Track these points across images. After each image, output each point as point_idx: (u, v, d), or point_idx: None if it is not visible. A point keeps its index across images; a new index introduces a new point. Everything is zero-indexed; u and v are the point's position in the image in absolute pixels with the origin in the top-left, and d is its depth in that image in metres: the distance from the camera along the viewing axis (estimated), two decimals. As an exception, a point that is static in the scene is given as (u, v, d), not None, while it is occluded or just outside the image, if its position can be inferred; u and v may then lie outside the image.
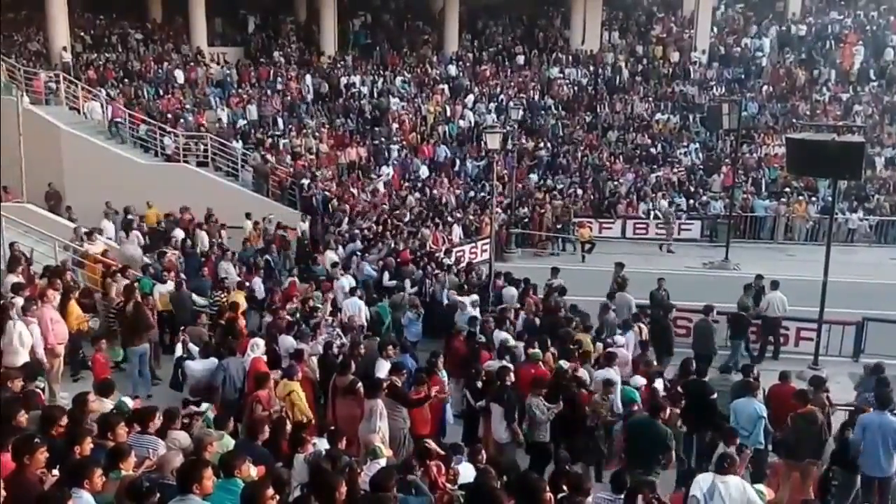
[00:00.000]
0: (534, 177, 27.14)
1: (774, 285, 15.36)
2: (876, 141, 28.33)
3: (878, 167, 27.80)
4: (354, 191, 24.00)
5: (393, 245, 17.86)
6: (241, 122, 25.85)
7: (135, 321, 11.35)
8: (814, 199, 25.72)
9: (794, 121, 27.07)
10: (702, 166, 28.26)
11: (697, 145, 29.23)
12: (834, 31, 33.92)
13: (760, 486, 6.96)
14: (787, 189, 26.15)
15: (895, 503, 8.74)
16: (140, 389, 10.27)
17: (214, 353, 10.05)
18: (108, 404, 7.64)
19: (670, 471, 9.06)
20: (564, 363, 10.54)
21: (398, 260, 16.60)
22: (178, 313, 12.70)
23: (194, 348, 10.54)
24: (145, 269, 13.77)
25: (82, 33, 28.77)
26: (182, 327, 11.50)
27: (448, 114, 29.37)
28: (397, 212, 22.13)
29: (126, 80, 26.45)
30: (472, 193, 25.72)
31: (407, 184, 25.56)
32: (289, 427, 7.90)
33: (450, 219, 22.52)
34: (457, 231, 22.16)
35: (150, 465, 6.34)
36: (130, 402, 7.86)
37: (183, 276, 13.86)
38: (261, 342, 10.10)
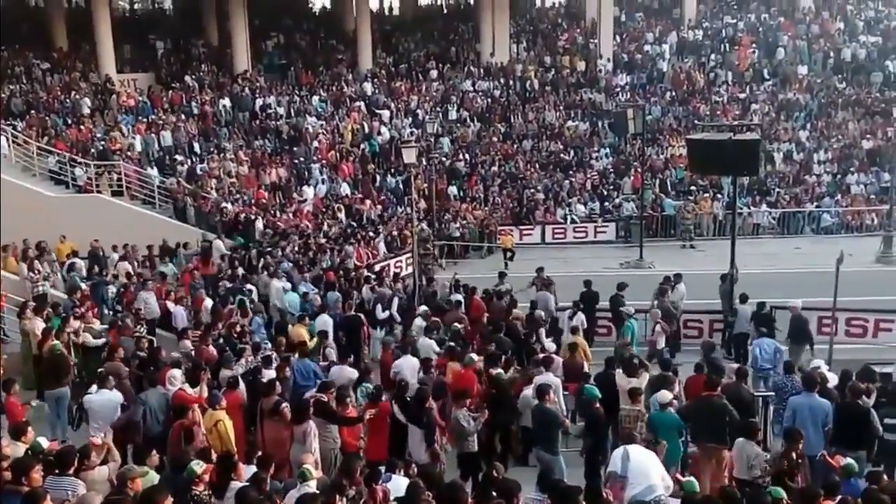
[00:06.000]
0: (453, 189, 27.52)
1: (678, 278, 16.08)
2: (773, 137, 29.89)
3: (776, 162, 29.32)
4: (276, 212, 23.83)
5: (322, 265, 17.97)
6: (156, 149, 25.33)
7: (53, 365, 11.03)
8: (719, 195, 26.92)
9: (695, 122, 28.26)
10: (613, 170, 29.21)
11: (608, 150, 30.22)
12: (728, 34, 35.56)
13: (691, 479, 7.36)
14: (693, 187, 27.30)
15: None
16: (57, 432, 9.96)
17: (135, 387, 9.84)
18: (22, 448, 7.44)
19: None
20: (501, 371, 10.69)
21: (325, 281, 16.58)
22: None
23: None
24: (56, 307, 13.37)
25: (-17, 65, 27.64)
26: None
27: (366, 130, 29.50)
28: (321, 231, 22.18)
29: (32, 111, 25.53)
30: (391, 208, 25.93)
31: (330, 203, 25.53)
32: (214, 458, 7.86)
33: (372, 234, 22.63)
34: (381, 246, 22.32)
35: (69, 507, 6.23)
36: (45, 443, 7.67)
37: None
38: (177, 373, 9.90)
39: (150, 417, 9.28)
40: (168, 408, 9.49)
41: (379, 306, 15.32)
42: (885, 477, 7.91)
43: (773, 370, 12.28)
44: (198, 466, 7.06)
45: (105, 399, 9.55)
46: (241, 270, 16.84)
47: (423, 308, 14.24)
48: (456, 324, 13.28)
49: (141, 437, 8.74)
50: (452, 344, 11.92)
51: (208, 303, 14.41)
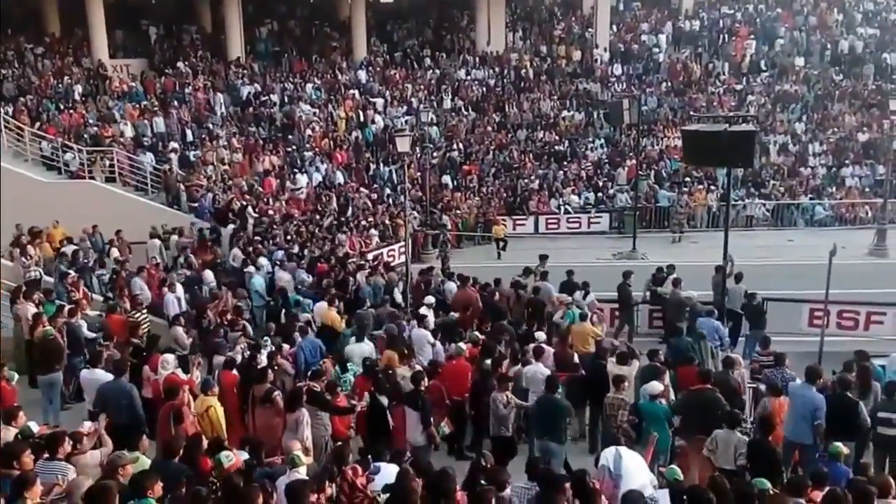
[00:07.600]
0: (446, 178, 27.46)
1: (671, 269, 16.11)
2: (769, 129, 29.89)
3: (771, 154, 29.36)
4: (269, 200, 23.70)
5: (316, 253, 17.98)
6: (148, 135, 25.17)
7: (45, 350, 11.01)
8: (713, 187, 26.93)
9: (691, 113, 28.25)
10: (607, 160, 29.18)
11: (602, 140, 30.18)
12: (726, 24, 35.54)
13: (673, 467, 7.40)
14: (688, 179, 27.30)
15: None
16: (48, 417, 9.96)
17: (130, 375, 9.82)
18: (13, 432, 7.45)
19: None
20: (489, 362, 10.66)
21: (316, 272, 16.57)
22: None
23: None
24: (48, 293, 13.32)
25: (-26, 51, 27.44)
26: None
27: (361, 119, 29.36)
28: (314, 219, 22.09)
29: (24, 96, 25.29)
30: (386, 197, 25.84)
31: (321, 192, 25.43)
32: (205, 444, 7.85)
33: (365, 223, 22.58)
34: (374, 235, 22.27)
35: (59, 491, 6.23)
36: (35, 427, 7.67)
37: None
38: (170, 358, 9.88)
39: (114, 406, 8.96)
40: (131, 397, 9.26)
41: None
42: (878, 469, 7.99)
43: (720, 346, 12.91)
44: (226, 460, 7.08)
45: (97, 377, 9.57)
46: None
47: (430, 298, 14.30)
48: (454, 313, 13.52)
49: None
50: (479, 335, 12.15)
51: (179, 290, 14.44)
